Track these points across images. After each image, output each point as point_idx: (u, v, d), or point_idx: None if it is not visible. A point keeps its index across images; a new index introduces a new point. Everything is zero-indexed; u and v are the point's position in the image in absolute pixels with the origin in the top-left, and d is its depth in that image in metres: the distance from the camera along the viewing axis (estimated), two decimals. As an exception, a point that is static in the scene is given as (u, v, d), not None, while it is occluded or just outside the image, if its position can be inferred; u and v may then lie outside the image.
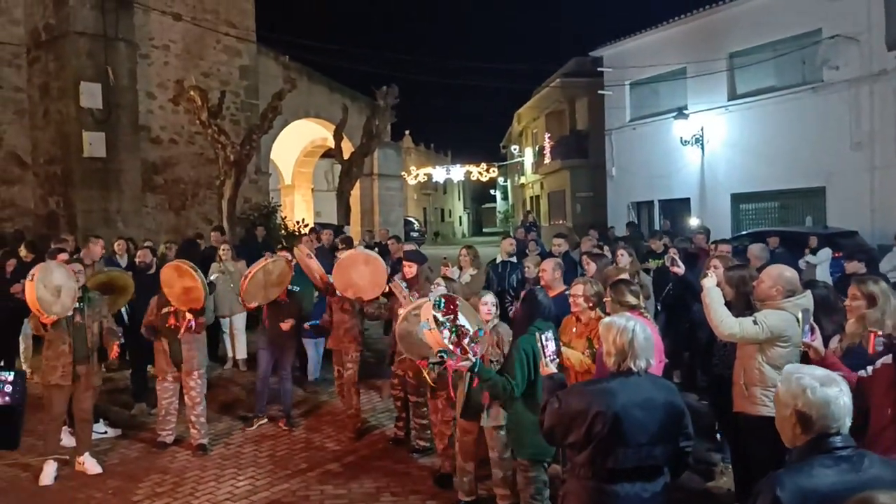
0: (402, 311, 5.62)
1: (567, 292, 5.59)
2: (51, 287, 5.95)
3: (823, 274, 9.99)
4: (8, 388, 1.87)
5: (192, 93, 13.91)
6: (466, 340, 4.67)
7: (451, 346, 4.67)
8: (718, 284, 4.72)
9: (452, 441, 5.85)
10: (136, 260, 9.04)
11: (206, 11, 17.15)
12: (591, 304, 5.28)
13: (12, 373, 1.90)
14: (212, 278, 9.28)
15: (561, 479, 5.11)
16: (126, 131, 14.35)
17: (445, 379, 5.72)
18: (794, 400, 2.40)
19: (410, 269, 6.95)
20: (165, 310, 6.80)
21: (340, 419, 7.68)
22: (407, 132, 46.95)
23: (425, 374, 5.58)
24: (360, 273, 6.96)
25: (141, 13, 15.37)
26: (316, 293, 8.46)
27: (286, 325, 7.35)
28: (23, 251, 9.37)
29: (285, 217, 19.75)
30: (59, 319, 6.05)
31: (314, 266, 7.54)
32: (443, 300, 4.82)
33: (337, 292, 7.18)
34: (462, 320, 4.78)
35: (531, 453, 4.75)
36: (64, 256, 7.33)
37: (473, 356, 4.66)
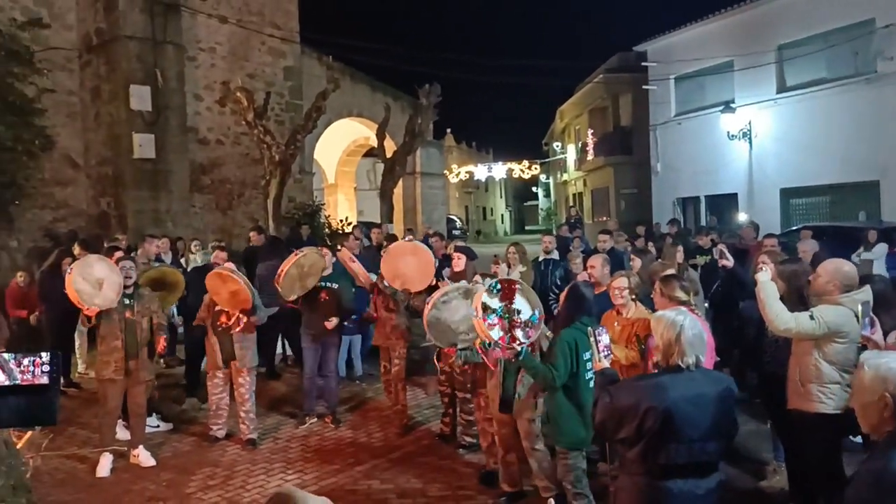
0: (433, 298, 5.64)
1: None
2: (91, 279, 6.05)
3: (880, 269, 9.74)
4: (46, 368, 2.02)
5: (238, 94, 14.14)
6: (520, 326, 4.67)
7: (496, 337, 4.67)
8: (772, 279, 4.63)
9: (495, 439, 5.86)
10: (212, 260, 9.22)
11: (251, 14, 17.41)
12: (633, 297, 5.35)
13: (48, 353, 2.04)
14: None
15: (610, 476, 5.08)
16: (174, 133, 14.61)
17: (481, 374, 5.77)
18: (883, 385, 2.35)
19: (459, 260, 6.98)
20: (217, 308, 6.91)
21: (386, 415, 7.73)
22: (448, 130, 46.99)
23: (452, 360, 5.60)
24: (408, 263, 6.99)
25: (188, 16, 15.65)
26: (354, 288, 8.50)
27: (331, 325, 7.37)
28: (76, 249, 9.60)
29: (329, 216, 19.94)
30: (111, 315, 6.21)
31: (357, 269, 7.57)
32: (499, 284, 4.83)
33: (384, 283, 7.19)
34: (519, 304, 4.78)
35: (569, 441, 4.78)
36: (119, 254, 7.50)
37: (525, 339, 4.67)
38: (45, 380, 2.13)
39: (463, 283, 5.99)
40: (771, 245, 7.66)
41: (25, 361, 2.22)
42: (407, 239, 6.88)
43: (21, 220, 13.15)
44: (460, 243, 9.61)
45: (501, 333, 4.68)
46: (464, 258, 7.05)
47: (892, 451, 2.30)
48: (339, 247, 7.45)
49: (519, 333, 4.68)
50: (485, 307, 4.73)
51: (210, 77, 16.47)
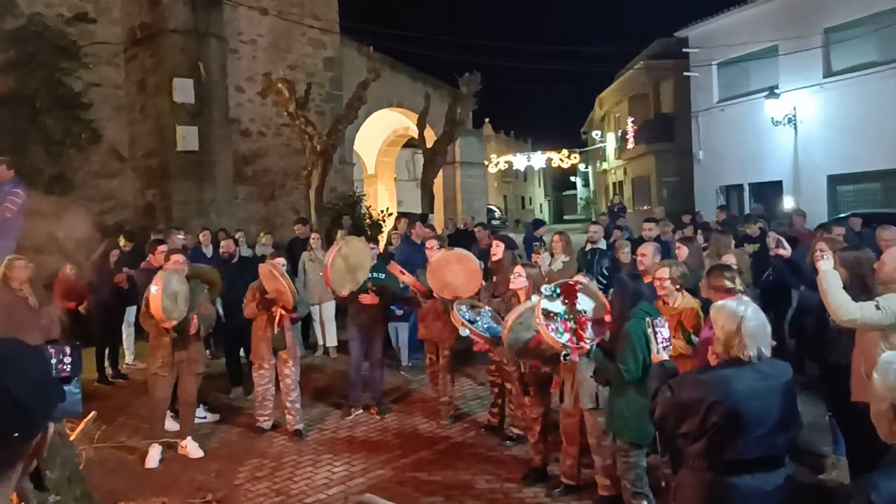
0: (508, 321, 5.51)
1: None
2: (171, 294, 6.15)
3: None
4: (67, 360, 2.02)
5: (279, 85, 14.16)
6: (587, 325, 4.60)
7: (564, 341, 4.60)
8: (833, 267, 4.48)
9: (543, 436, 5.78)
10: (220, 251, 9.25)
11: (292, 5, 17.44)
12: (677, 287, 5.23)
13: (68, 346, 2.04)
14: None
15: (662, 468, 4.97)
16: (217, 124, 14.70)
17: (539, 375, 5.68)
18: (891, 393, 2.19)
19: (498, 248, 6.90)
20: (268, 295, 6.91)
21: (432, 406, 7.70)
22: (487, 120, 46.75)
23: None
24: (454, 272, 6.82)
25: (229, 9, 15.71)
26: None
27: (365, 300, 7.33)
28: (121, 241, 9.72)
29: (369, 206, 19.96)
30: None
31: (408, 280, 7.46)
32: (558, 288, 4.75)
33: (434, 295, 7.12)
34: (583, 303, 4.70)
35: (635, 437, 4.67)
36: (164, 248, 7.53)
37: (594, 335, 4.59)
38: (66, 371, 2.13)
39: (533, 299, 5.83)
40: (840, 233, 7.38)
41: (62, 352, 2.21)
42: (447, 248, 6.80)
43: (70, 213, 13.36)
44: (511, 234, 9.47)
45: (569, 336, 4.60)
46: (502, 246, 6.96)
47: (876, 477, 2.13)
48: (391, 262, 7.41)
49: (588, 332, 4.61)
50: (546, 313, 4.64)
51: (252, 69, 16.55)
